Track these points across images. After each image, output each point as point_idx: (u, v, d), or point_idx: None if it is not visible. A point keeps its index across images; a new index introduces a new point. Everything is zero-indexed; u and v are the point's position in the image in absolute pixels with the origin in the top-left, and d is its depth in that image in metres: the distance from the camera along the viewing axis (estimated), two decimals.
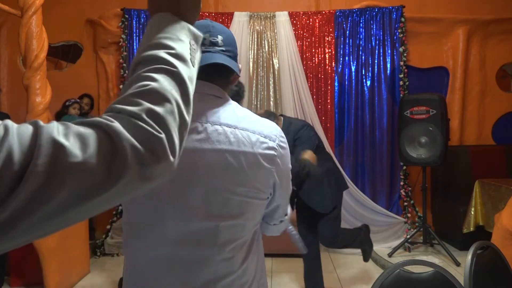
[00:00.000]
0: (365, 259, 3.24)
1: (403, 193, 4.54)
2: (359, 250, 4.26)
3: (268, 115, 2.80)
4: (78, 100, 4.44)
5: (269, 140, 0.99)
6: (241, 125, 0.97)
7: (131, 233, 1.00)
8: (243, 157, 0.95)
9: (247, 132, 0.97)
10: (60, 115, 4.33)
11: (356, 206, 4.41)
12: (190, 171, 0.94)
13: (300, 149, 2.73)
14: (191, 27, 0.69)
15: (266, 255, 4.31)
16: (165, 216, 0.95)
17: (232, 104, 1.02)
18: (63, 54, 5.08)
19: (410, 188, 4.53)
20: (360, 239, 3.13)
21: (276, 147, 1.00)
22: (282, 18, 4.54)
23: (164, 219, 0.95)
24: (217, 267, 0.97)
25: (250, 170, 0.95)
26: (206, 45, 1.01)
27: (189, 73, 0.64)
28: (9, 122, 0.48)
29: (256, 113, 2.84)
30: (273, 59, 4.56)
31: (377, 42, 4.59)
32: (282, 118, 2.90)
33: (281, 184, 1.04)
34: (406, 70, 4.56)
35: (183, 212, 0.95)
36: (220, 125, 0.95)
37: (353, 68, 4.60)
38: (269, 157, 0.98)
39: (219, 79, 1.04)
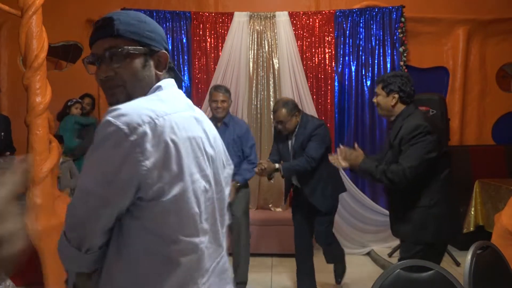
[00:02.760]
0: (338, 280, 3.39)
1: None
2: (359, 250, 4.27)
3: (294, 106, 2.91)
4: (80, 100, 4.44)
5: None
6: None
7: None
8: None
9: None
10: (62, 115, 4.32)
11: (356, 206, 4.40)
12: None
13: (315, 145, 2.84)
14: None
15: (266, 254, 4.35)
16: (200, 227, 0.92)
17: None
18: (63, 54, 5.08)
19: None
20: (342, 254, 3.33)
21: None
22: (282, 18, 4.54)
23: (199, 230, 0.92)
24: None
25: None
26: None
27: None
28: None
29: (281, 99, 3.05)
30: (273, 59, 4.56)
31: (377, 42, 4.58)
32: (301, 113, 2.99)
33: None
34: (406, 70, 4.55)
35: (214, 217, 0.96)
36: None
37: (353, 68, 4.60)
38: None
39: None
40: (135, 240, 0.86)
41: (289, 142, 3.00)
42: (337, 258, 3.31)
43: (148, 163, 0.80)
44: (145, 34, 0.94)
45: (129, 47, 0.92)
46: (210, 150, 0.93)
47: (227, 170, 1.03)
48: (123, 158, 0.79)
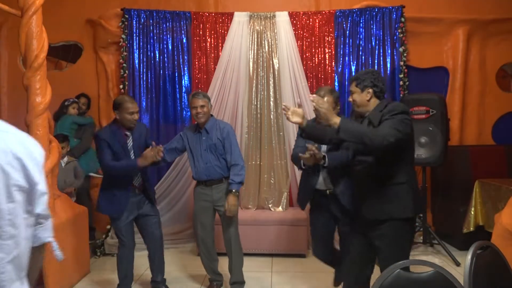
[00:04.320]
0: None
1: None
2: None
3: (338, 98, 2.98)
4: (77, 100, 4.44)
5: None
6: None
7: None
8: None
9: None
10: (59, 115, 4.31)
11: None
12: None
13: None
14: None
15: (266, 255, 4.35)
16: None
17: None
18: (63, 54, 5.08)
19: None
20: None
21: None
22: (282, 18, 4.54)
23: None
24: None
25: None
26: None
27: None
28: None
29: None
30: (273, 59, 4.56)
31: (377, 42, 4.58)
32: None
33: None
34: (406, 70, 4.56)
35: None
36: None
37: (353, 68, 4.60)
38: None
39: None
40: None
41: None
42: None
43: None
44: None
45: None
46: None
47: (12, 181, 1.08)
48: None
